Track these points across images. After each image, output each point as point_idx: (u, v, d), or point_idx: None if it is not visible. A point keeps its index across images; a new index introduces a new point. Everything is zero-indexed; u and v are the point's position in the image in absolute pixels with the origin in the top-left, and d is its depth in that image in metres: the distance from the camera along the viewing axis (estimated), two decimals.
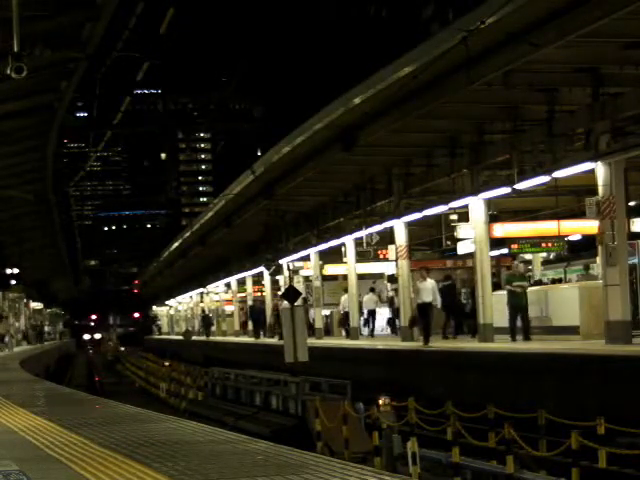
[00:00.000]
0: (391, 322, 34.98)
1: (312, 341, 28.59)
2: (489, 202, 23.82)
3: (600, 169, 18.52)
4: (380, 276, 39.33)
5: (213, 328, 64.35)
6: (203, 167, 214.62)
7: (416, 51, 18.59)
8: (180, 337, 70.89)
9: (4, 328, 50.78)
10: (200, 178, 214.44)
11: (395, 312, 32.13)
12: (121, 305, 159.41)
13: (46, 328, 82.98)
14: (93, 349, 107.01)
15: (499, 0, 15.06)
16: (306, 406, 21.35)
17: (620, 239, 18.59)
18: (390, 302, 34.68)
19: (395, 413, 17.74)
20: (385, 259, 33.09)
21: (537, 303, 23.55)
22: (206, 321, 64.53)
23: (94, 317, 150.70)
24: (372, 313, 34.92)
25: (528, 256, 31.14)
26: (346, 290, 35.64)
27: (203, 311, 71.29)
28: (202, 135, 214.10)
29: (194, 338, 63.73)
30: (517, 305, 22.76)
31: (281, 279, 43.67)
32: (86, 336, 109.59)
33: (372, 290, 35.63)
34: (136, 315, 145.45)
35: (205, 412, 28.97)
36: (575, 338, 21.31)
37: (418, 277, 25.06)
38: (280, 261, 40.64)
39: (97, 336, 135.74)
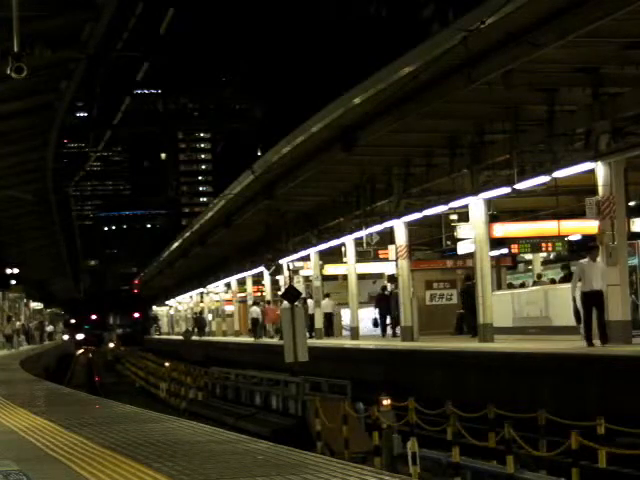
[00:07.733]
0: None
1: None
2: (489, 202, 23.81)
3: (600, 169, 18.52)
4: (380, 276, 39.33)
5: (213, 328, 64.37)
6: (203, 167, 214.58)
7: (416, 51, 18.56)
8: (180, 337, 70.91)
9: (11, 328, 50.91)
10: (200, 178, 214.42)
11: None
12: (118, 305, 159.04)
13: (49, 328, 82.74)
14: (75, 350, 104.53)
15: (499, 0, 15.05)
16: (306, 406, 21.35)
17: (620, 239, 18.59)
18: None
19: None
20: (385, 259, 33.10)
21: (537, 303, 23.48)
22: (199, 322, 64.57)
23: (75, 317, 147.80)
24: (329, 316, 37.15)
25: (528, 256, 31.13)
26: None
27: (195, 313, 71.25)
28: (202, 135, 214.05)
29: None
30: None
31: (281, 279, 43.68)
32: (65, 337, 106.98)
33: (327, 296, 37.71)
34: (136, 315, 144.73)
35: (205, 412, 28.96)
36: (576, 338, 21.27)
37: (586, 256, 18.52)
38: (280, 261, 40.64)
39: (79, 336, 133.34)
